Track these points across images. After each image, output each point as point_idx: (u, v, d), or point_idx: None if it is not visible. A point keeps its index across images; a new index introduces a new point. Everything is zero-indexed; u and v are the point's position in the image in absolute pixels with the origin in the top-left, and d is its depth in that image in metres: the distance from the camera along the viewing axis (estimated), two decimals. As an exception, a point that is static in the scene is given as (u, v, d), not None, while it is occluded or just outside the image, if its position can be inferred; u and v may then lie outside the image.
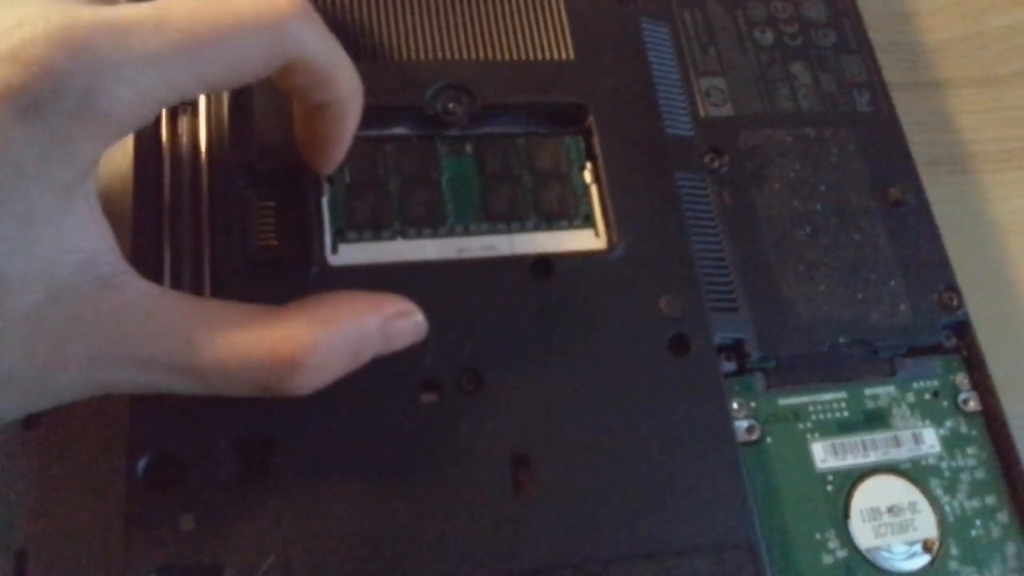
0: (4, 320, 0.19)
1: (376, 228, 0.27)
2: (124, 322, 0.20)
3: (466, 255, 0.27)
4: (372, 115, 0.25)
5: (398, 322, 0.23)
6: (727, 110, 0.31)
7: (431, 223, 0.27)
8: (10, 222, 0.19)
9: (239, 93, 0.26)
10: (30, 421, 0.25)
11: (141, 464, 0.22)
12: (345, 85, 0.23)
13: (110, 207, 0.22)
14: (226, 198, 0.25)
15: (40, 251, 0.20)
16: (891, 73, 0.33)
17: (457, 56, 0.29)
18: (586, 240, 0.28)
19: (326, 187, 0.27)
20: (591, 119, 0.29)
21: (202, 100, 0.26)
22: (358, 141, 0.25)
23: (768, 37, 0.32)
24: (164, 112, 0.24)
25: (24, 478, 0.25)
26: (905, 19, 0.40)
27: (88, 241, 0.21)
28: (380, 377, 0.24)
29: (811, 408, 0.28)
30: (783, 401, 0.28)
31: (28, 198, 0.19)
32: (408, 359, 0.24)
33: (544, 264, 0.27)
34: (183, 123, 0.26)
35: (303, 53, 0.22)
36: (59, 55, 0.19)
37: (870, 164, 0.31)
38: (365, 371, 0.23)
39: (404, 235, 0.27)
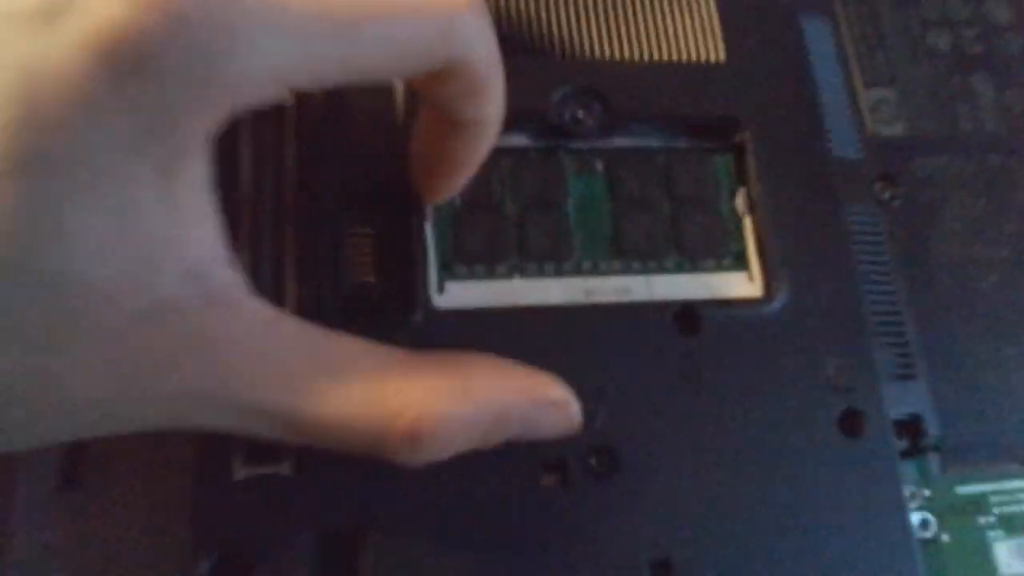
0: (86, 337, 0.15)
1: (490, 262, 0.22)
2: (229, 355, 0.16)
3: (596, 299, 0.22)
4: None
5: (549, 411, 0.18)
6: (898, 128, 0.26)
7: (555, 256, 0.22)
8: (101, 214, 0.15)
9: (332, 94, 0.21)
10: (68, 481, 0.21)
11: (205, 566, 0.18)
12: (496, 101, 0.19)
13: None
14: (315, 223, 0.21)
15: (136, 253, 0.16)
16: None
17: (588, 55, 0.24)
18: (738, 285, 0.23)
19: (430, 211, 0.22)
20: (745, 134, 0.24)
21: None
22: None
23: (945, 41, 0.27)
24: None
25: (59, 551, 0.21)
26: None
27: (196, 245, 0.16)
28: (493, 453, 0.19)
29: (994, 498, 0.23)
30: (961, 489, 0.23)
31: (124, 184, 0.15)
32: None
33: (690, 315, 0.22)
34: (264, 129, 0.21)
35: (467, 55, 0.17)
36: (183, 3, 0.14)
37: (1064, 201, 0.26)
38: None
39: (522, 271, 0.22)
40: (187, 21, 0.14)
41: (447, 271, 0.22)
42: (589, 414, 0.21)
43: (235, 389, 0.16)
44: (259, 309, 0.17)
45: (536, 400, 0.18)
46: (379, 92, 0.22)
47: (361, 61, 0.17)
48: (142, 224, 0.15)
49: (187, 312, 0.16)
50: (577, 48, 0.24)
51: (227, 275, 0.17)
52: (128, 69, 0.14)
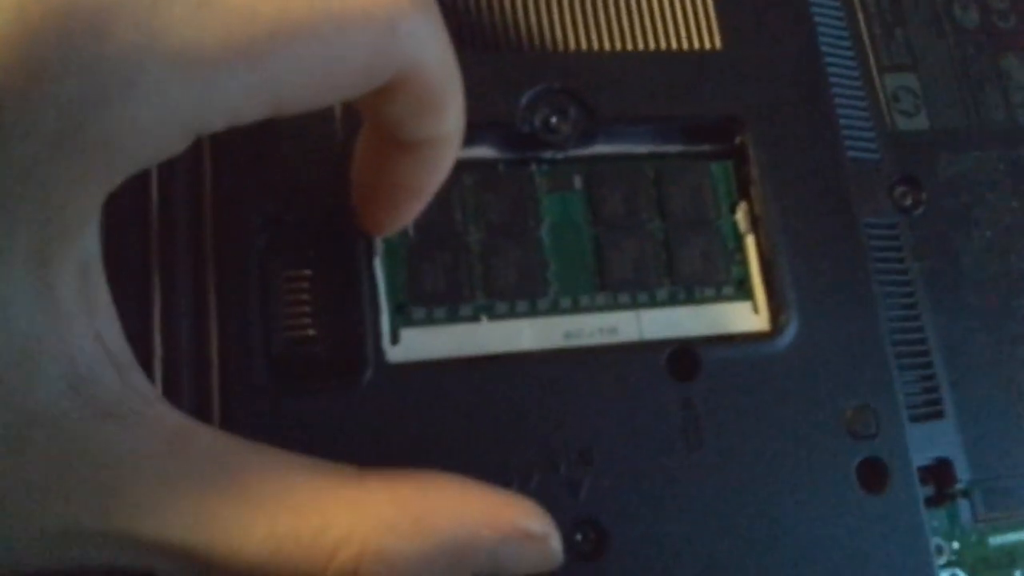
0: None
1: (452, 302, 0.19)
2: (125, 481, 0.13)
3: (577, 342, 0.19)
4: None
5: (523, 546, 0.15)
6: (921, 122, 0.23)
7: (528, 293, 0.19)
8: None
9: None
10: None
11: None
12: (454, 116, 0.15)
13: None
14: (240, 266, 0.18)
15: (1, 359, 0.13)
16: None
17: (560, 48, 0.20)
18: (741, 318, 0.20)
19: (379, 245, 0.19)
20: (746, 135, 0.21)
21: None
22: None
23: (973, 16, 0.24)
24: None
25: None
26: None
27: (82, 344, 0.13)
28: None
29: (1032, 549, 0.21)
30: (995, 540, 0.21)
31: None
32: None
33: (687, 356, 0.19)
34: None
35: (416, 66, 0.14)
36: (39, 40, 0.11)
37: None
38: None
39: (491, 312, 0.19)
40: (41, 74, 0.11)
41: (402, 316, 0.19)
42: (573, 481, 0.18)
43: (134, 523, 0.13)
44: (164, 419, 0.14)
45: (507, 532, 0.15)
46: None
47: (281, 92, 0.13)
48: (9, 323, 0.12)
49: (71, 427, 0.13)
50: (547, 41, 0.20)
51: (124, 379, 0.14)
52: None
